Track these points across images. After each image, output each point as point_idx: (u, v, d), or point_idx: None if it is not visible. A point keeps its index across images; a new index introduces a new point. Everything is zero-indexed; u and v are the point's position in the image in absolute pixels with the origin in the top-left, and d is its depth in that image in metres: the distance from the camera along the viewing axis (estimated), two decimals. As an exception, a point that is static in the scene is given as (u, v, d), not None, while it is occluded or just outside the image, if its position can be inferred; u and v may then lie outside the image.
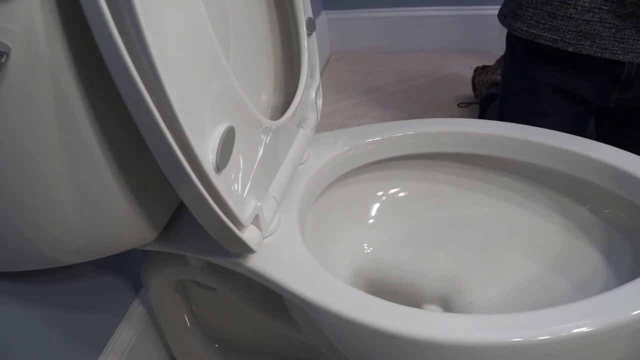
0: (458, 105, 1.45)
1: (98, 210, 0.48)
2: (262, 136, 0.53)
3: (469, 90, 1.48)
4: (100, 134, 0.43)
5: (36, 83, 0.38)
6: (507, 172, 0.67)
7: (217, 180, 0.42)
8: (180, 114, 0.38)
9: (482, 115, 1.29)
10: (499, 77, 1.32)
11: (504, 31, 0.88)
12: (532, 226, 0.66)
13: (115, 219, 0.49)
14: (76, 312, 0.65)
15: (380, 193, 0.72)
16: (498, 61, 1.38)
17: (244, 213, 0.47)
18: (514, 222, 0.67)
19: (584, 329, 0.40)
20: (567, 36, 0.75)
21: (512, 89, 0.90)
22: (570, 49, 0.76)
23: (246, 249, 0.49)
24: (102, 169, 0.45)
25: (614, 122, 0.87)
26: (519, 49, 0.85)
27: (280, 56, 0.67)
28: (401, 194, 0.72)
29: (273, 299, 0.65)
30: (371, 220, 0.71)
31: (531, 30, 0.78)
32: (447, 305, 0.64)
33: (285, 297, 0.51)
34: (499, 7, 0.91)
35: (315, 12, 1.57)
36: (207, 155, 0.41)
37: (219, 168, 0.42)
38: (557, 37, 0.76)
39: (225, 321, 0.74)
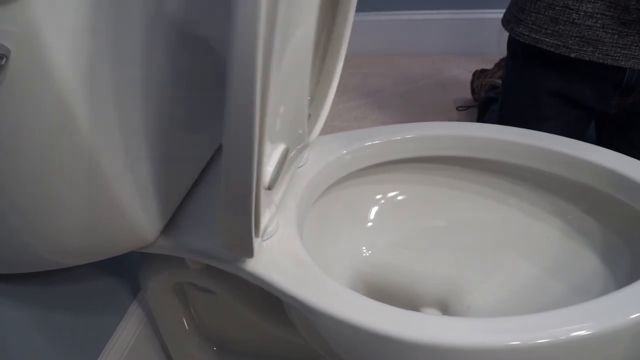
0: (457, 108, 1.45)
1: (97, 213, 0.48)
2: (296, 152, 0.53)
3: (467, 94, 1.48)
4: (100, 137, 0.43)
5: (36, 85, 0.38)
6: (505, 175, 0.67)
7: (263, 196, 0.43)
8: (268, 128, 0.38)
9: (481, 118, 1.30)
10: (498, 81, 1.32)
11: (504, 35, 0.88)
12: (530, 230, 0.66)
13: (113, 221, 0.49)
14: (75, 314, 0.65)
15: (379, 196, 0.72)
16: (497, 65, 1.38)
17: (263, 224, 0.48)
18: (512, 225, 0.67)
19: (583, 333, 0.40)
20: (570, 42, 0.75)
21: (513, 93, 0.90)
22: (572, 55, 0.75)
23: (247, 255, 0.49)
24: (102, 171, 0.45)
25: (614, 127, 0.87)
26: (521, 53, 0.84)
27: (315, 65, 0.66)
28: (400, 197, 0.72)
29: (271, 302, 0.65)
30: (370, 224, 0.71)
31: (533, 35, 0.78)
32: (446, 308, 0.64)
33: (283, 300, 0.51)
34: (498, 10, 0.91)
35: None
36: (267, 173, 0.43)
37: (269, 187, 0.43)
38: (559, 43, 0.76)
39: (223, 324, 0.74)
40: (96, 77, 0.42)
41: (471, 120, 1.41)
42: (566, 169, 0.60)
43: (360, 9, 1.76)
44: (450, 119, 1.42)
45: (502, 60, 1.37)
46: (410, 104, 1.50)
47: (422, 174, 0.70)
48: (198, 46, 0.57)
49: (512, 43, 0.88)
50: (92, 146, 0.43)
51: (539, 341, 0.40)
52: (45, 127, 0.40)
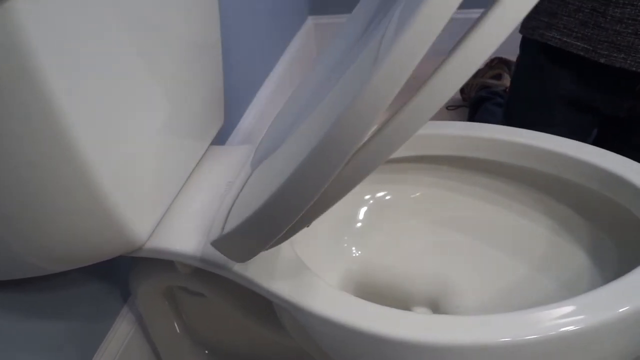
0: (447, 107, 1.45)
1: (85, 218, 0.47)
2: None
3: (456, 93, 1.49)
4: (88, 142, 0.43)
5: (19, 91, 0.38)
6: (494, 174, 0.67)
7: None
8: None
9: (472, 117, 1.30)
10: (489, 81, 1.33)
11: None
12: (519, 228, 0.66)
13: (102, 226, 0.49)
14: (65, 320, 0.64)
15: (367, 197, 0.72)
16: (487, 64, 1.38)
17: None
18: (501, 224, 0.67)
19: (572, 328, 0.41)
20: (599, 46, 0.72)
21: (523, 95, 0.88)
22: (602, 60, 0.73)
23: (240, 260, 0.49)
24: (90, 176, 0.44)
25: (618, 130, 0.85)
26: (535, 56, 0.83)
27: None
28: (388, 197, 0.72)
29: (262, 304, 0.65)
30: (359, 224, 0.71)
31: (565, 39, 0.76)
32: (436, 307, 0.64)
33: (273, 301, 0.51)
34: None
35: (302, 18, 1.57)
36: None
37: (308, 225, 0.46)
38: (589, 47, 0.73)
39: (214, 327, 0.74)
40: (83, 82, 0.41)
41: (461, 119, 1.41)
42: (554, 167, 0.61)
43: (347, 11, 1.76)
44: (441, 119, 1.42)
45: (492, 60, 1.38)
46: (399, 104, 1.50)
47: (411, 174, 0.71)
48: (181, 51, 0.57)
49: (526, 45, 0.86)
50: (79, 151, 0.42)
51: (529, 337, 0.41)
52: (32, 133, 0.40)
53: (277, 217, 0.41)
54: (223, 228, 0.49)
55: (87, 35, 0.42)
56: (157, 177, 0.55)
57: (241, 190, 0.57)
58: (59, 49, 0.38)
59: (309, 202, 0.39)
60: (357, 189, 0.71)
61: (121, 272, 0.75)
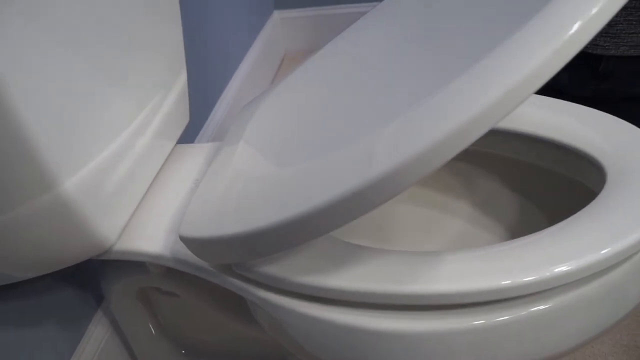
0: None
1: (48, 223, 0.47)
2: None
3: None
4: (47, 145, 0.42)
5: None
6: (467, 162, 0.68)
7: None
8: None
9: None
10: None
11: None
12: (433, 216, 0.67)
13: (66, 230, 0.48)
14: (35, 329, 0.64)
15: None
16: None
17: None
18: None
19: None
20: None
21: None
22: None
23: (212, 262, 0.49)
24: (51, 180, 0.44)
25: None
26: None
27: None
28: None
29: (235, 301, 0.64)
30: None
31: None
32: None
33: (247, 298, 0.51)
34: None
35: (267, 12, 1.56)
36: None
37: None
38: None
39: (190, 326, 0.74)
40: (38, 83, 0.41)
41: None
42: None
43: (314, 4, 1.75)
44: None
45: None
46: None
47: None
48: (141, 50, 0.57)
49: None
50: (39, 154, 0.42)
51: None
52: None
53: (275, 244, 0.40)
54: (193, 224, 0.49)
55: (40, 35, 0.41)
56: (122, 177, 0.55)
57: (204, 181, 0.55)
58: (8, 50, 0.38)
59: (314, 238, 0.39)
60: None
61: (92, 276, 0.74)
